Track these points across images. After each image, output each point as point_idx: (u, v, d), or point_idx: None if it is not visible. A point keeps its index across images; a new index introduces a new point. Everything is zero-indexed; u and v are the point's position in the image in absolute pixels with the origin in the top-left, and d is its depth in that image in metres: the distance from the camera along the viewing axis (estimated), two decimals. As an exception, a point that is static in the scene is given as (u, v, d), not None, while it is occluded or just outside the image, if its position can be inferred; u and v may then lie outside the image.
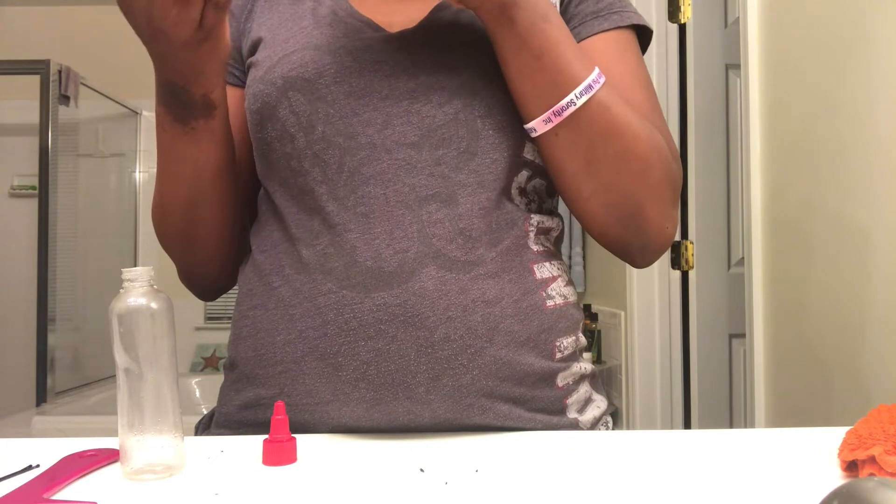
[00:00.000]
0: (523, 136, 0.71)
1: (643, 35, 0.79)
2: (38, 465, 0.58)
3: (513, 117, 0.70)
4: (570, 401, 0.72)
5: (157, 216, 0.77)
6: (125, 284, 0.56)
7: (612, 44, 0.74)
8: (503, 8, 0.62)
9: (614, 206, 0.69)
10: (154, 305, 0.56)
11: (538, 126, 0.66)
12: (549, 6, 0.65)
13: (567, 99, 0.64)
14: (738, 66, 1.87)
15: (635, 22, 0.76)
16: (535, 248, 0.72)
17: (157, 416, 0.55)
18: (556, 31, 0.64)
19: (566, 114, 0.64)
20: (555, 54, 0.64)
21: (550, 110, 0.64)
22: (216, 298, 0.85)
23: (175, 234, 0.77)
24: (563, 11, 0.75)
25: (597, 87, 0.64)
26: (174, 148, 0.71)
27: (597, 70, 0.65)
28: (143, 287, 0.56)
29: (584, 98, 0.64)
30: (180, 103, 0.67)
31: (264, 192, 0.75)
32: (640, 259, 0.75)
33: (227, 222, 0.77)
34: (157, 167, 0.74)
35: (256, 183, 0.78)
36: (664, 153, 0.70)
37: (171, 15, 0.58)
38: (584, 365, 0.75)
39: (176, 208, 0.75)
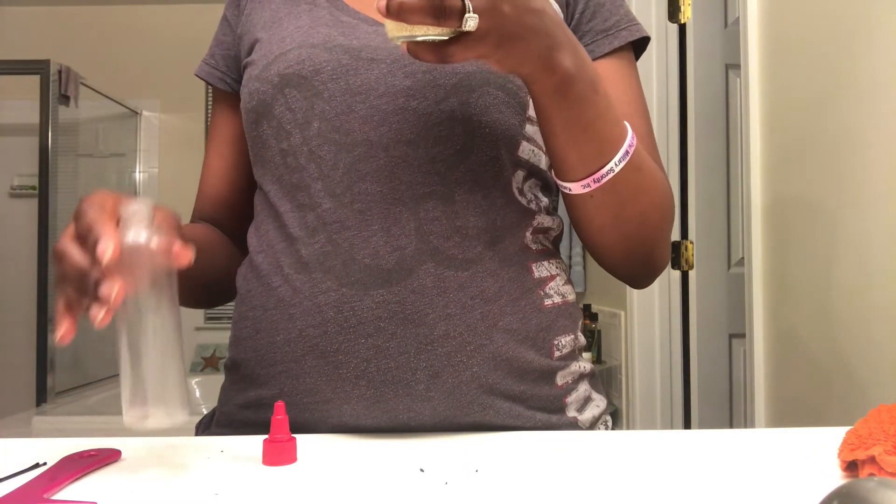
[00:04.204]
0: (519, 136, 0.71)
1: (641, 41, 0.80)
2: (44, 464, 0.58)
3: (509, 116, 0.70)
4: (569, 399, 0.72)
5: None
6: (123, 221, 0.52)
7: (617, 69, 0.75)
8: (560, 86, 0.60)
9: (632, 251, 0.72)
10: (143, 243, 0.52)
11: (575, 188, 0.65)
12: (595, 71, 0.63)
13: (608, 167, 0.64)
14: (738, 66, 1.87)
15: (643, 35, 0.78)
16: (533, 247, 0.72)
17: (160, 363, 0.53)
18: (603, 99, 0.63)
19: (605, 180, 0.64)
20: (601, 124, 0.63)
21: (590, 177, 0.64)
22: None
23: None
24: (575, 28, 0.75)
25: (632, 151, 0.65)
26: None
27: (630, 132, 0.65)
28: (143, 222, 0.52)
29: (622, 164, 0.64)
30: None
31: (260, 192, 0.75)
32: (644, 284, 0.79)
33: (206, 288, 0.81)
34: None
35: (252, 187, 0.79)
36: (671, 197, 0.73)
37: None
38: (584, 364, 0.75)
39: None
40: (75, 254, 0.52)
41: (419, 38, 0.54)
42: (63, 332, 0.52)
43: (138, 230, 0.52)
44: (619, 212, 0.67)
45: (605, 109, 0.63)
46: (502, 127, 0.70)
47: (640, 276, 0.77)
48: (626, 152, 0.64)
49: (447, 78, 0.69)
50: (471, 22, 0.51)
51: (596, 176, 0.64)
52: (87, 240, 0.51)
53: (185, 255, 0.53)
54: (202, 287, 0.80)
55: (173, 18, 3.67)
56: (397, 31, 0.54)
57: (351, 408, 0.66)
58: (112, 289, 0.49)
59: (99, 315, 0.49)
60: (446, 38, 0.53)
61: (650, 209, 0.70)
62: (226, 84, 0.83)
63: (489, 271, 0.67)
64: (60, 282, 0.53)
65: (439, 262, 0.66)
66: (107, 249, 0.49)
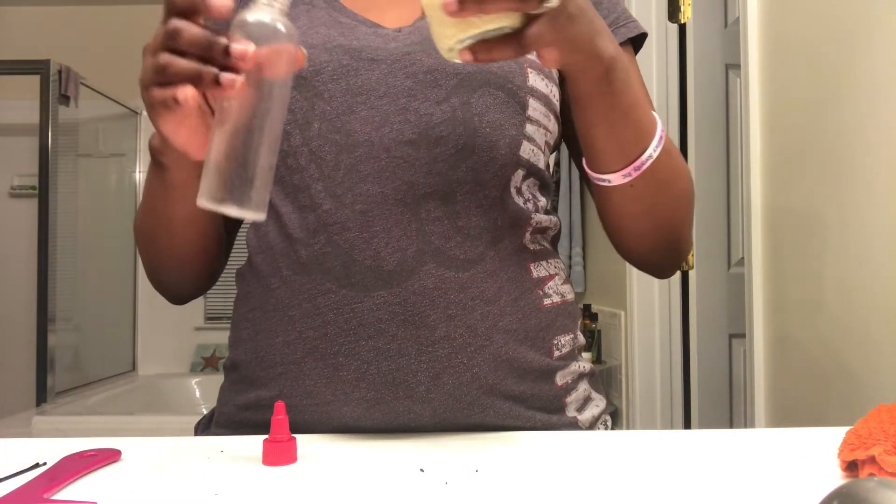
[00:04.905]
0: (520, 135, 0.71)
1: (638, 38, 0.80)
2: (44, 463, 0.58)
3: (509, 116, 0.70)
4: (569, 399, 0.72)
5: (136, 228, 0.77)
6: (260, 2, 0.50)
7: None
8: (606, 72, 0.59)
9: (662, 238, 0.72)
10: (282, 27, 0.49)
11: (615, 179, 0.65)
12: (625, 57, 0.62)
13: (646, 154, 0.63)
14: (738, 66, 1.87)
15: (641, 31, 0.78)
16: (531, 247, 0.72)
17: (255, 155, 0.50)
18: (637, 84, 0.63)
19: (644, 167, 0.64)
20: (639, 110, 0.63)
21: (631, 166, 0.64)
22: (182, 304, 0.82)
23: (144, 250, 0.76)
24: None
25: (664, 136, 0.65)
26: (160, 194, 0.69)
27: (657, 117, 0.65)
28: (277, 7, 0.50)
29: (658, 150, 0.64)
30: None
31: None
32: (670, 273, 0.79)
33: (190, 258, 0.75)
34: (144, 195, 0.72)
35: None
36: (692, 181, 0.74)
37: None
38: (583, 364, 0.75)
39: (149, 232, 0.74)
40: (194, 26, 0.49)
41: (489, 34, 0.50)
42: (187, 89, 0.48)
43: (271, 11, 0.50)
44: (655, 199, 0.68)
45: (637, 95, 0.63)
46: (503, 127, 0.70)
47: (668, 265, 0.77)
48: (661, 137, 0.64)
49: (448, 78, 0.69)
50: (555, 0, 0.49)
51: (636, 164, 0.63)
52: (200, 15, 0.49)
53: (303, 57, 0.51)
54: (197, 232, 0.73)
55: (173, 18, 3.67)
56: (462, 31, 0.50)
57: (351, 410, 0.65)
58: (247, 48, 0.47)
59: (235, 78, 0.47)
60: (510, 30, 0.50)
61: (681, 193, 0.70)
62: None
63: (489, 271, 0.67)
64: (164, 67, 0.49)
65: (440, 262, 0.66)
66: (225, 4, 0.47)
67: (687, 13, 2.18)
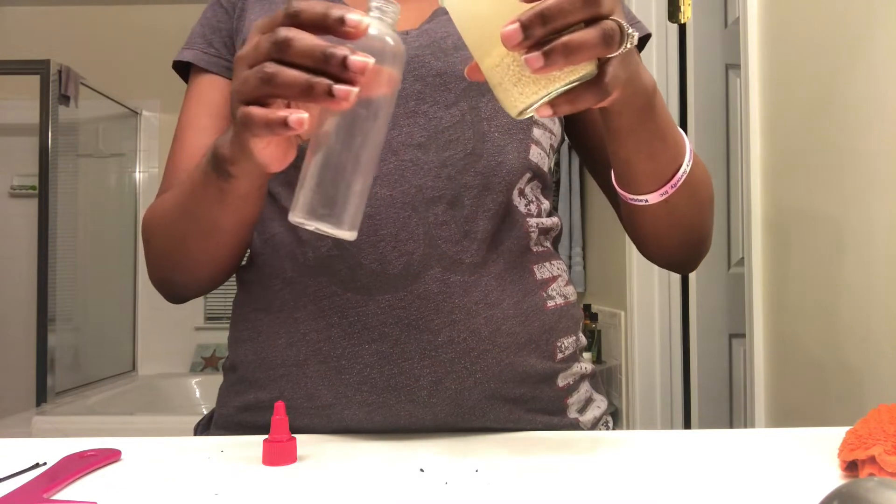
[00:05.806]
0: (528, 139, 0.71)
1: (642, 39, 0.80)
2: (44, 464, 0.58)
3: (517, 120, 0.70)
4: (570, 401, 0.72)
5: (152, 226, 0.72)
6: (372, 13, 0.48)
7: None
8: (649, 102, 0.57)
9: (691, 241, 0.72)
10: (392, 43, 0.48)
11: (653, 198, 0.64)
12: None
13: (681, 170, 0.63)
14: (738, 66, 1.87)
15: (646, 33, 0.77)
16: (535, 248, 0.72)
17: (352, 175, 0.49)
18: (666, 105, 0.62)
19: (679, 184, 0.63)
20: (673, 130, 0.62)
21: (668, 184, 0.63)
22: (181, 303, 0.78)
23: (162, 250, 0.72)
24: None
25: (691, 147, 0.64)
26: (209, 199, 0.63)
27: (680, 129, 0.65)
28: (388, 22, 0.48)
29: (690, 163, 0.63)
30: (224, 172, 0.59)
31: (266, 194, 0.75)
32: (691, 269, 0.79)
33: (219, 264, 0.71)
34: (182, 195, 0.66)
35: None
36: (712, 181, 0.73)
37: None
38: (585, 365, 0.75)
39: (179, 235, 0.68)
40: (308, 35, 0.45)
41: (570, 84, 0.47)
42: (302, 115, 0.46)
43: (381, 24, 0.48)
44: (686, 208, 0.68)
45: (669, 114, 0.62)
46: (511, 131, 0.70)
47: (692, 261, 0.77)
48: (691, 151, 0.64)
49: (457, 82, 0.68)
50: (635, 37, 0.47)
51: (673, 181, 0.62)
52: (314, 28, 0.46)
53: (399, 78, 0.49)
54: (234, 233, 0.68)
55: (173, 18, 3.67)
56: (544, 88, 0.47)
57: (352, 413, 0.65)
58: (367, 60, 0.44)
59: (351, 90, 0.44)
60: (589, 77, 0.47)
61: (706, 197, 0.71)
62: (227, 70, 0.77)
63: (493, 275, 0.67)
64: (271, 77, 0.46)
65: (446, 266, 0.65)
66: (360, 22, 0.45)
67: (687, 13, 2.18)
